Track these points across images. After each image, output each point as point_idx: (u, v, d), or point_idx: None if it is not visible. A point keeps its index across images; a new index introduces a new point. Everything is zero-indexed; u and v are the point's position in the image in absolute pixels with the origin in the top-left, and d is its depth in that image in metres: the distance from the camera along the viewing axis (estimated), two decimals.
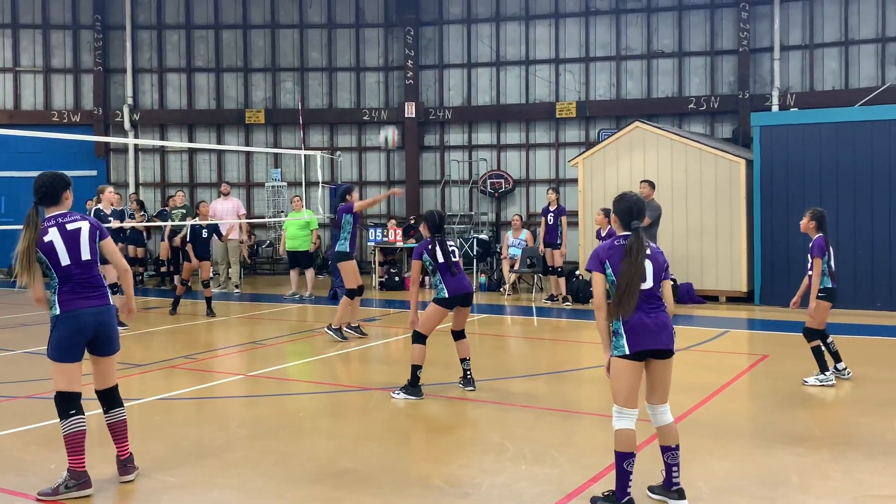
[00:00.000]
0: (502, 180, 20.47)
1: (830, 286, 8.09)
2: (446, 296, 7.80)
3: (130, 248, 17.81)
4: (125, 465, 5.47)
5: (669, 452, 4.94)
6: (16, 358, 10.07)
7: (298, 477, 5.54)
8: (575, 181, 17.32)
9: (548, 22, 20.74)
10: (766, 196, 14.11)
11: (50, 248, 5.24)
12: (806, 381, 8.13)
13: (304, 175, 17.91)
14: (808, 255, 8.15)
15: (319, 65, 21.64)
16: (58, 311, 5.23)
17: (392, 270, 17.66)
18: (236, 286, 17.24)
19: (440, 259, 7.86)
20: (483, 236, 19.20)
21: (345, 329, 11.07)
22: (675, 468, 4.93)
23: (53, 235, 5.25)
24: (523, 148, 20.95)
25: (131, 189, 21.20)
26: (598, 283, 4.98)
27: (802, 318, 8.35)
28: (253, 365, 9.80)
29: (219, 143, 21.37)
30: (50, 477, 5.36)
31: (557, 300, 14.86)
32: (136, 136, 21.17)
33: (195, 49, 21.73)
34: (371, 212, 20.86)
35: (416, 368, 7.71)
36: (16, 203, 20.40)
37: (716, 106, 19.39)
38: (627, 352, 4.83)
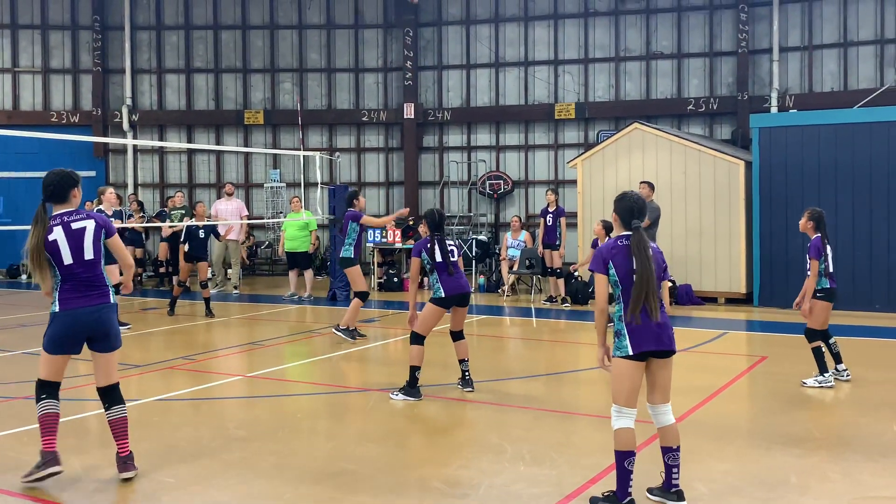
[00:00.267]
0: (501, 181, 20.48)
1: (829, 286, 8.09)
2: (443, 295, 7.79)
3: (129, 248, 17.79)
4: (125, 462, 5.49)
5: (670, 454, 4.94)
6: (14, 358, 10.07)
7: (297, 478, 5.54)
8: (574, 182, 17.31)
9: (547, 23, 20.75)
10: (765, 197, 14.12)
11: (54, 247, 5.34)
12: (805, 383, 8.13)
13: (302, 176, 17.92)
14: (806, 256, 8.16)
15: (318, 66, 21.64)
16: (56, 309, 5.38)
17: (391, 271, 17.66)
18: (236, 287, 17.24)
19: (438, 258, 7.85)
20: (482, 237, 19.19)
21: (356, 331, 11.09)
22: (675, 469, 4.94)
23: (58, 234, 5.35)
24: (522, 149, 20.95)
25: (130, 190, 21.19)
26: (601, 283, 5.00)
27: (802, 319, 8.34)
28: (251, 366, 9.81)
29: (218, 143, 21.37)
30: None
31: (556, 301, 14.87)
32: (134, 137, 21.16)
33: (194, 50, 21.73)
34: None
35: (414, 369, 7.71)
36: (14, 203, 20.41)
37: (715, 107, 19.39)
38: (630, 352, 4.84)
